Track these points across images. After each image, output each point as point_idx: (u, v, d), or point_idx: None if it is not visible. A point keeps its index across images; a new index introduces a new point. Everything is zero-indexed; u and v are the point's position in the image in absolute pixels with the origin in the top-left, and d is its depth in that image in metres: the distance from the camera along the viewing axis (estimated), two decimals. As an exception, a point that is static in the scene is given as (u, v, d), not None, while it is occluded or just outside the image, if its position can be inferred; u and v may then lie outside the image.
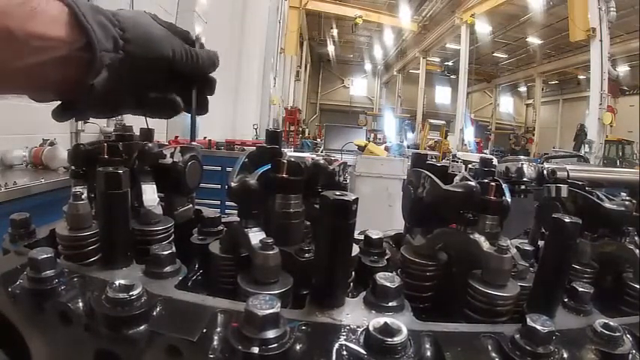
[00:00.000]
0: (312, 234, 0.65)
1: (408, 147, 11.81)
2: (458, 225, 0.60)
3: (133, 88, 0.58)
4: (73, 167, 0.73)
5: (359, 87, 31.61)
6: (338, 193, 0.45)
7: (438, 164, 0.74)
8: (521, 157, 0.94)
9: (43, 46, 0.47)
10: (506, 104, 29.08)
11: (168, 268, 0.53)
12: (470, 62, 17.94)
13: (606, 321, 0.47)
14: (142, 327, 0.43)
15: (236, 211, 0.59)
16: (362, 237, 0.71)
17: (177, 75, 0.61)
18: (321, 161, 0.66)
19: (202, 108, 0.67)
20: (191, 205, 0.82)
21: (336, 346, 0.42)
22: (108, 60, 0.51)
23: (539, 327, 0.42)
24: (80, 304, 0.47)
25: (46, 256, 0.49)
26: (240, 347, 0.38)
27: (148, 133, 0.78)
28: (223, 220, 0.72)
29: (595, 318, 0.49)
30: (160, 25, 0.59)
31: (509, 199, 0.64)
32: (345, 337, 0.43)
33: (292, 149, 8.85)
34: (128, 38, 0.53)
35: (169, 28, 0.61)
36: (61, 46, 0.48)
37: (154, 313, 0.45)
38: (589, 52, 10.57)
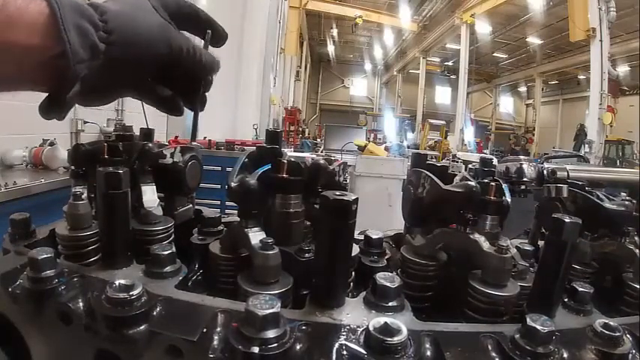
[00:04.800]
0: (312, 234, 0.65)
1: (408, 147, 11.81)
2: (458, 225, 0.60)
3: (118, 85, 0.56)
4: (73, 167, 0.73)
5: (359, 87, 31.56)
6: (338, 193, 0.45)
7: (438, 164, 0.74)
8: (521, 157, 0.94)
9: (21, 53, 0.45)
10: (506, 104, 29.05)
11: (168, 268, 0.53)
12: (470, 62, 17.93)
13: (606, 321, 0.47)
14: (142, 327, 0.43)
15: (236, 211, 0.59)
16: (362, 237, 0.71)
17: (179, 68, 0.58)
18: (321, 161, 0.66)
19: (201, 104, 0.65)
20: (191, 205, 0.82)
21: (336, 345, 0.42)
22: (85, 70, 0.49)
23: (539, 327, 0.42)
24: (80, 304, 0.47)
25: (46, 256, 0.49)
26: (240, 347, 0.38)
27: (148, 133, 0.78)
28: (223, 220, 0.72)
29: (595, 318, 0.49)
30: (161, 17, 0.55)
31: (509, 199, 0.64)
32: (345, 337, 0.43)
33: (292, 149, 8.84)
34: (113, 41, 0.50)
35: (187, 17, 0.59)
36: (37, 53, 0.46)
37: (154, 313, 0.45)
38: (589, 52, 10.56)
